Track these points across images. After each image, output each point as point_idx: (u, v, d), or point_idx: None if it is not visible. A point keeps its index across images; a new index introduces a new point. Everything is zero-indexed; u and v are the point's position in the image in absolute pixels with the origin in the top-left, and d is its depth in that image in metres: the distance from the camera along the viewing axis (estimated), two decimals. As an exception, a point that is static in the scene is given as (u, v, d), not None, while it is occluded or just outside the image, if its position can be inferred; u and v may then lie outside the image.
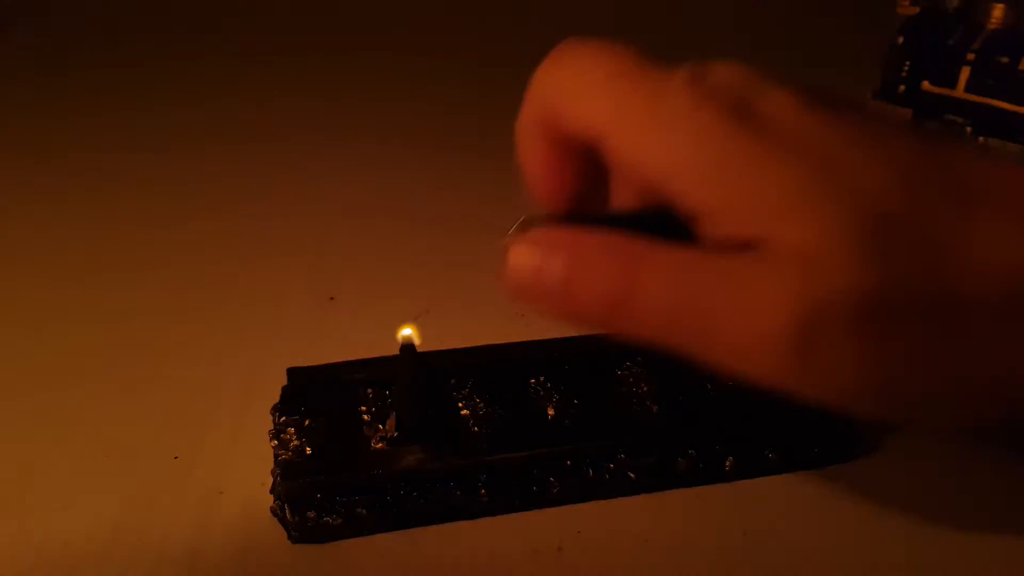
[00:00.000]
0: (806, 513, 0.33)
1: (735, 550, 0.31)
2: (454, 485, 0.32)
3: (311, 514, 0.31)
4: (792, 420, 0.35)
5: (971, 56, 0.59)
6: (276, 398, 0.37)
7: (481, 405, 0.36)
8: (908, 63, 0.62)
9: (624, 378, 0.38)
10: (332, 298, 0.46)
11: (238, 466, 0.34)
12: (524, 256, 0.26)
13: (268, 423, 0.36)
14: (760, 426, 0.35)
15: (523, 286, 0.26)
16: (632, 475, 0.33)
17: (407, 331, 0.33)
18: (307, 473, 0.31)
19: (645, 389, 0.37)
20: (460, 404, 0.36)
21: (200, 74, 0.84)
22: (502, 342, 0.39)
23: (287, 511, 0.31)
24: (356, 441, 0.34)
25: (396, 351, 0.34)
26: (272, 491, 0.32)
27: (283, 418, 0.35)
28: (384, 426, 0.34)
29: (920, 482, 0.34)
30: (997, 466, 0.35)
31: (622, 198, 0.30)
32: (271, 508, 0.32)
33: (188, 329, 0.43)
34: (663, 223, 0.26)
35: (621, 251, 0.25)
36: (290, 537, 0.31)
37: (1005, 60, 0.58)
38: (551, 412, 0.36)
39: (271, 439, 0.34)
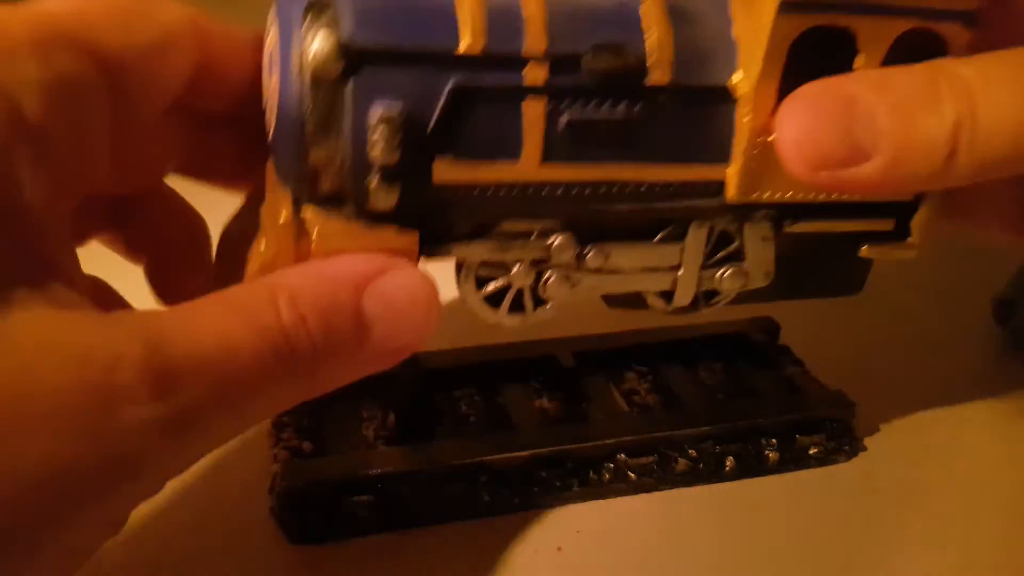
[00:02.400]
0: (806, 513, 0.33)
1: (735, 550, 0.31)
2: (454, 485, 0.32)
3: (310, 515, 0.31)
4: (792, 420, 0.35)
5: None
6: (275, 398, 0.37)
7: (481, 405, 0.36)
8: None
9: (624, 378, 0.38)
10: (331, 298, 0.46)
11: (237, 466, 0.34)
12: (820, 125, 0.24)
13: (267, 423, 0.36)
14: (760, 426, 0.35)
15: (829, 160, 0.24)
16: (632, 475, 0.33)
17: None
18: (307, 473, 0.31)
19: (645, 388, 0.38)
20: (460, 404, 0.36)
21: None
22: (502, 342, 0.39)
23: (287, 512, 0.31)
24: (356, 441, 0.33)
25: (396, 351, 0.34)
26: (271, 491, 0.32)
27: (282, 418, 0.35)
28: (384, 426, 0.34)
29: (920, 483, 0.34)
30: (996, 466, 0.35)
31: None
32: (270, 509, 0.32)
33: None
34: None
35: (937, 74, 0.24)
36: (289, 538, 0.31)
37: None
38: (551, 412, 0.36)
39: (270, 439, 0.34)
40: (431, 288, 0.25)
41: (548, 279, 0.28)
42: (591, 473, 0.33)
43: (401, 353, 0.25)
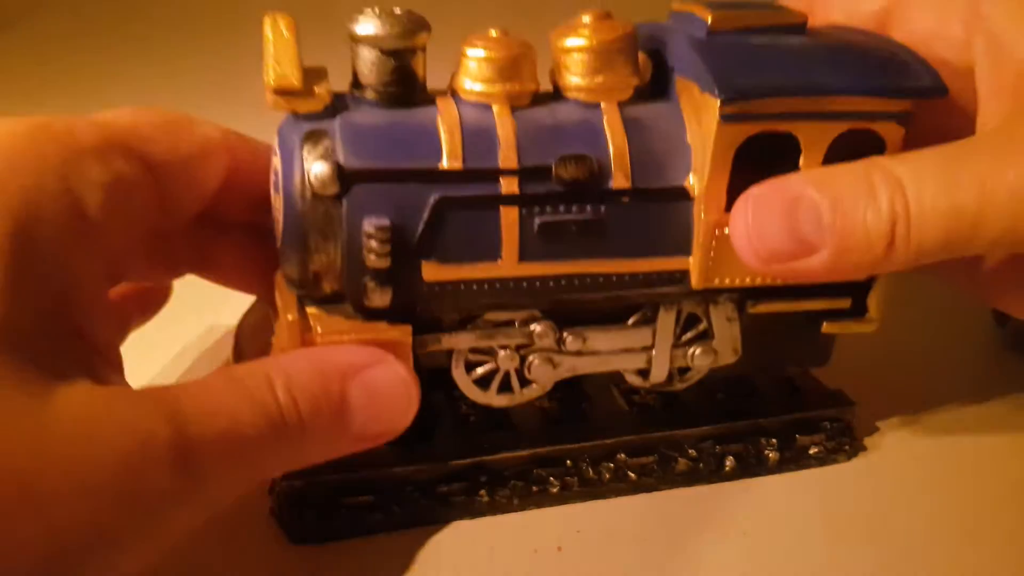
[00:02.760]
0: (806, 513, 0.33)
1: (735, 550, 0.31)
2: (454, 485, 0.32)
3: (310, 515, 0.31)
4: (792, 420, 0.35)
5: None
6: (275, 398, 0.36)
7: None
8: None
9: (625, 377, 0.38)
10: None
11: (237, 466, 0.34)
12: (769, 224, 0.26)
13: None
14: (760, 426, 0.35)
15: (778, 255, 0.27)
16: (632, 475, 0.33)
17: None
18: (306, 474, 0.31)
19: (645, 388, 0.37)
20: (460, 404, 0.36)
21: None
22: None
23: (286, 512, 0.31)
24: (355, 441, 0.33)
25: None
26: (271, 491, 0.32)
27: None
28: (384, 426, 0.34)
29: (920, 482, 0.34)
30: (996, 465, 0.35)
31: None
32: (270, 509, 0.32)
33: (188, 325, 0.43)
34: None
35: (873, 172, 0.26)
36: (289, 538, 0.31)
37: None
38: (551, 412, 0.36)
39: (270, 439, 0.34)
40: (412, 384, 0.28)
41: (532, 362, 0.31)
42: (591, 473, 0.33)
43: (378, 439, 0.28)
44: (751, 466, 0.34)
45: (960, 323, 0.45)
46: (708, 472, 0.34)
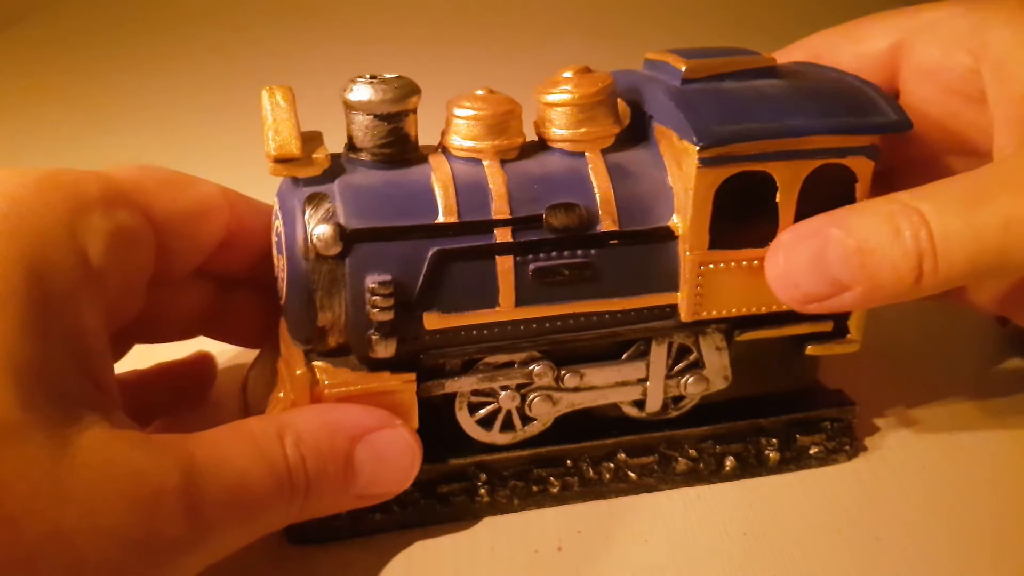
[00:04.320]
0: (806, 513, 0.33)
1: (735, 550, 0.31)
2: (454, 485, 0.32)
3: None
4: (792, 420, 0.35)
5: None
6: (275, 398, 0.37)
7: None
8: None
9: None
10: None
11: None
12: (801, 270, 0.28)
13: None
14: (760, 426, 0.35)
15: (811, 294, 0.28)
16: (632, 475, 0.33)
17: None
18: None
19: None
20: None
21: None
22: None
23: (286, 511, 0.31)
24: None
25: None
26: (271, 491, 0.32)
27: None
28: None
29: (920, 482, 0.34)
30: (997, 465, 0.35)
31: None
32: (270, 508, 0.32)
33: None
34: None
35: (895, 209, 0.27)
36: (289, 538, 0.31)
37: None
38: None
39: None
40: (416, 449, 0.29)
41: (532, 400, 0.32)
42: (591, 473, 0.33)
43: (378, 499, 0.29)
44: (751, 466, 0.34)
45: (961, 323, 0.45)
46: (708, 472, 0.34)
